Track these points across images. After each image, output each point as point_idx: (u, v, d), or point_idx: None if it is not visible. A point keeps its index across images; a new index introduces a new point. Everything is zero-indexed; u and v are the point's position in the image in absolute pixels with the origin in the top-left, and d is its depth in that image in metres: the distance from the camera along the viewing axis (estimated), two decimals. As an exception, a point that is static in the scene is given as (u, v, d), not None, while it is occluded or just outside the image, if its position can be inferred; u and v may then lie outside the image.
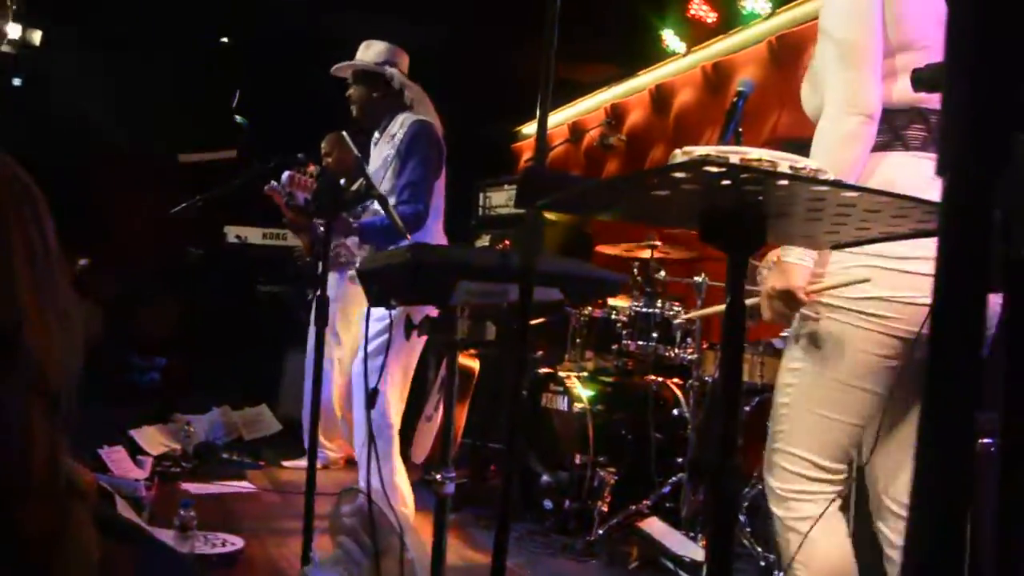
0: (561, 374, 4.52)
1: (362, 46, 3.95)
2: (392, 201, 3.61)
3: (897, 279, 1.91)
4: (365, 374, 2.64)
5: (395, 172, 3.71)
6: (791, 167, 1.35)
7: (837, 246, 1.79)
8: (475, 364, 4.34)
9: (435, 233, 3.79)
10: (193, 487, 4.48)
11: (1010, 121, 0.54)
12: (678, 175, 1.24)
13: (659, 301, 4.41)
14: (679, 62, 6.80)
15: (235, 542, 3.49)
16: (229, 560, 3.40)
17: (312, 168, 3.76)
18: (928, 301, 1.89)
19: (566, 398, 4.42)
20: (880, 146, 1.97)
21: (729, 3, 6.02)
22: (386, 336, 2.80)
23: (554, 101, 1.88)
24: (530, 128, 9.02)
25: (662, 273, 4.50)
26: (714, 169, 1.18)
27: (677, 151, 1.44)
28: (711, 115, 6.31)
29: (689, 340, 4.34)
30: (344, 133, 3.13)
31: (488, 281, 1.85)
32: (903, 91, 1.94)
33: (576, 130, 7.99)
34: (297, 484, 4.38)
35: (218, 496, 4.46)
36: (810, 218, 1.46)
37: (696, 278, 4.26)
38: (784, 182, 1.22)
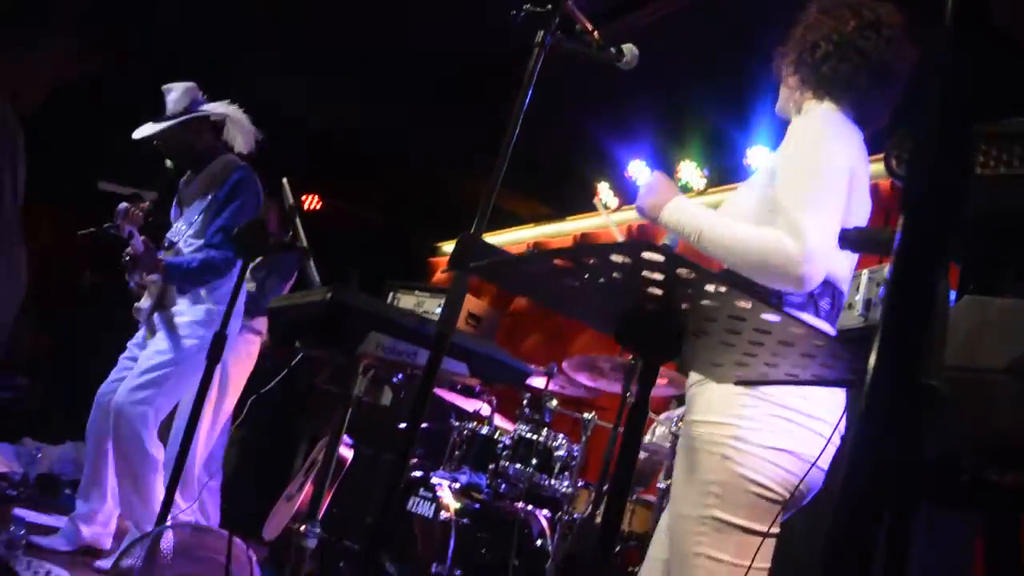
0: (433, 480, 4.45)
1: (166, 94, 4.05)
2: (201, 243, 3.80)
3: (807, 438, 1.94)
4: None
5: (213, 215, 3.84)
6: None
7: (741, 382, 1.87)
8: (348, 454, 4.27)
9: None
10: (26, 514, 4.23)
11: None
12: (616, 259, 1.30)
13: (544, 430, 4.43)
14: (608, 215, 7.03)
15: (60, 574, 3.30)
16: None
17: (145, 204, 3.82)
18: (823, 465, 1.96)
19: (433, 505, 4.34)
20: (796, 304, 2.01)
21: (667, 171, 6.29)
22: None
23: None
24: (450, 246, 9.14)
25: (554, 402, 4.54)
26: (651, 255, 1.24)
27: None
28: (629, 270, 6.51)
29: (566, 474, 4.35)
30: (284, 181, 3.18)
31: (400, 339, 1.86)
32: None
33: (497, 256, 8.13)
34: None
35: (50, 529, 4.21)
36: (725, 341, 1.53)
37: (585, 415, 4.32)
38: (712, 287, 1.28)
